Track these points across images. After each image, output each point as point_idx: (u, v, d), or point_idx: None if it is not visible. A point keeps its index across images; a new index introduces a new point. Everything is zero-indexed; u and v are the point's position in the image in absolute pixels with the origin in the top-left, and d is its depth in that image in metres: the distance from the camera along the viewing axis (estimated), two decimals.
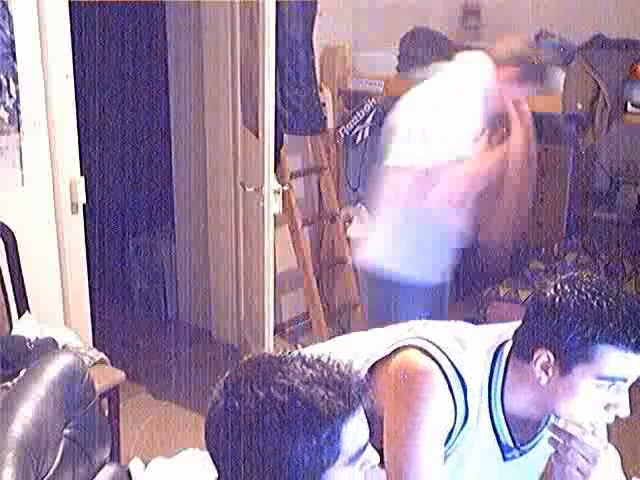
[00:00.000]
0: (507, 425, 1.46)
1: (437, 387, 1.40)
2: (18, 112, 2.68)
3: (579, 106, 3.14)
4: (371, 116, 3.87)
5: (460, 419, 1.43)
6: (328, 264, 4.15)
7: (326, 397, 1.07)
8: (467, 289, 4.08)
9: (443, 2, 4.08)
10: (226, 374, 1.15)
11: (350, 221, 4.12)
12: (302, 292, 3.90)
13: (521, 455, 1.51)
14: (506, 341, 1.47)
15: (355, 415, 1.10)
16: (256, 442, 1.07)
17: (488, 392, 1.44)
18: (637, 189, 3.94)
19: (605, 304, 1.32)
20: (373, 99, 3.85)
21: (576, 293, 1.34)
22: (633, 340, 1.30)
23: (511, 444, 1.49)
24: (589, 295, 1.33)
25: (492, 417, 1.45)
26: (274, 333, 3.23)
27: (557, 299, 1.35)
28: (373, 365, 1.54)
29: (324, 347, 1.71)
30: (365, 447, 1.14)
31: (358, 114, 3.88)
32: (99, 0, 4.35)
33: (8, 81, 2.63)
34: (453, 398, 1.41)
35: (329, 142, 3.93)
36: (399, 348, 1.49)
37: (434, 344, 1.45)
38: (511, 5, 3.91)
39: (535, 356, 1.38)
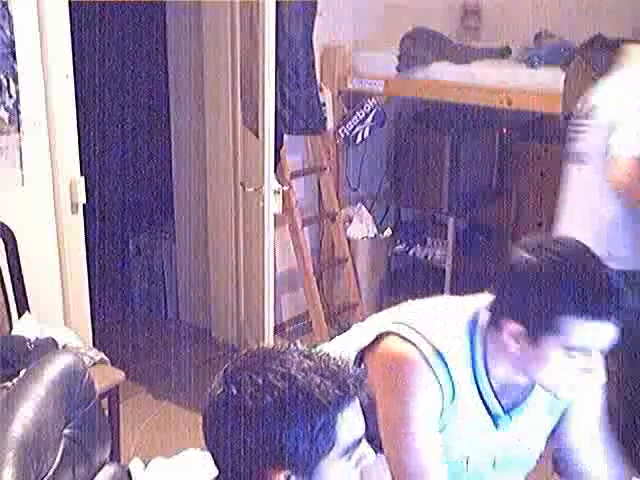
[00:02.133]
0: (494, 393, 1.48)
1: (419, 372, 1.42)
2: (18, 112, 2.68)
3: (579, 106, 3.14)
4: (371, 116, 3.87)
5: (448, 396, 1.44)
6: (328, 264, 4.15)
7: (322, 385, 1.09)
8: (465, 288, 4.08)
9: (443, 2, 4.08)
10: (226, 365, 1.16)
11: (350, 221, 4.12)
12: (302, 292, 3.90)
13: (513, 421, 1.53)
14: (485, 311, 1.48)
15: (350, 405, 1.12)
16: (253, 428, 1.08)
17: (472, 363, 1.46)
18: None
19: (569, 274, 1.33)
20: (373, 99, 3.85)
21: (541, 264, 1.35)
22: (597, 309, 1.31)
23: (500, 412, 1.50)
24: (554, 266, 1.34)
25: (478, 387, 1.47)
26: (274, 333, 3.23)
27: (522, 270, 1.36)
28: (365, 352, 1.55)
29: (329, 346, 1.72)
30: (360, 440, 1.15)
31: (358, 114, 3.88)
32: (99, 0, 4.35)
33: (8, 81, 2.63)
34: (437, 379, 1.42)
35: (329, 142, 3.93)
36: (381, 335, 1.50)
37: (413, 328, 1.46)
38: (511, 5, 3.90)
39: (505, 327, 1.39)
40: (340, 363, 1.14)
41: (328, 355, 1.15)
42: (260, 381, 1.09)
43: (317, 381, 1.09)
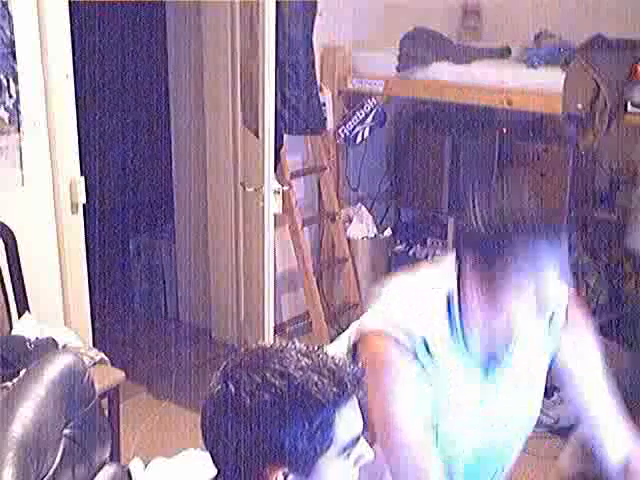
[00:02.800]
0: (477, 355, 1.49)
1: (404, 369, 1.44)
2: (18, 112, 2.68)
3: (579, 106, 3.14)
4: (371, 116, 3.87)
5: (435, 375, 1.46)
6: (328, 264, 4.15)
7: (320, 383, 1.10)
8: None
9: (443, 2, 4.08)
10: (224, 363, 1.16)
11: (350, 221, 4.12)
12: (302, 292, 3.90)
13: (499, 374, 1.54)
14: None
15: (348, 403, 1.13)
16: (250, 426, 1.09)
17: (452, 332, 1.47)
18: (637, 189, 3.94)
19: (511, 225, 1.37)
20: (373, 99, 3.85)
21: (487, 219, 1.39)
22: (539, 256, 1.36)
23: (487, 371, 1.52)
24: (497, 218, 1.39)
25: (462, 355, 1.48)
26: (274, 333, 3.23)
27: (473, 227, 1.40)
28: (356, 349, 1.56)
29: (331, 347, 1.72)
30: (358, 439, 1.15)
31: (358, 114, 3.88)
32: (99, 0, 4.35)
33: (8, 81, 2.63)
34: (423, 368, 1.44)
35: (329, 142, 3.93)
36: (365, 333, 1.51)
37: (392, 320, 1.46)
38: (511, 5, 3.90)
39: (469, 284, 1.43)
40: (338, 361, 1.14)
41: (326, 353, 1.16)
42: (258, 379, 1.09)
43: (315, 379, 1.10)
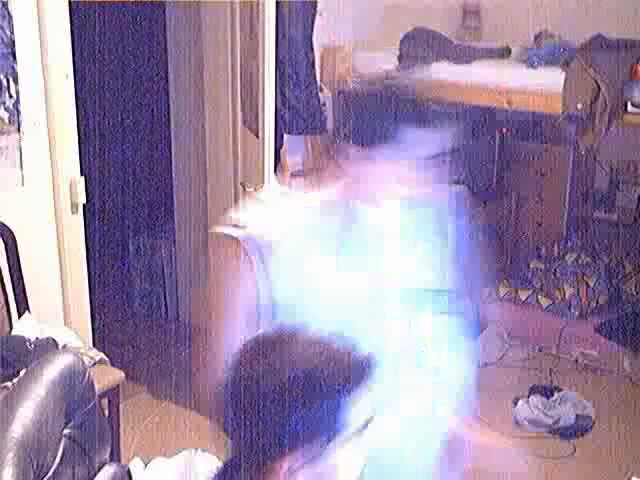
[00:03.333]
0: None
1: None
2: (18, 112, 2.68)
3: (579, 106, 3.14)
4: None
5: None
6: None
7: (327, 369, 1.09)
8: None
9: (443, 2, 4.08)
10: (234, 350, 1.16)
11: None
12: None
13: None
14: None
15: (357, 389, 1.12)
16: (258, 412, 1.09)
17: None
18: (637, 189, 3.95)
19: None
20: None
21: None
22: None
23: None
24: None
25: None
26: None
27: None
28: None
29: None
30: (367, 425, 1.15)
31: None
32: (99, 0, 4.35)
33: (8, 81, 2.63)
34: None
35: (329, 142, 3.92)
36: None
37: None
38: (511, 5, 3.91)
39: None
40: (347, 348, 1.13)
41: (334, 341, 1.15)
42: (266, 367, 1.09)
43: (322, 366, 1.09)
